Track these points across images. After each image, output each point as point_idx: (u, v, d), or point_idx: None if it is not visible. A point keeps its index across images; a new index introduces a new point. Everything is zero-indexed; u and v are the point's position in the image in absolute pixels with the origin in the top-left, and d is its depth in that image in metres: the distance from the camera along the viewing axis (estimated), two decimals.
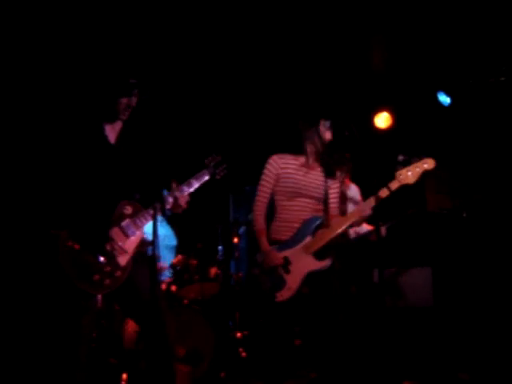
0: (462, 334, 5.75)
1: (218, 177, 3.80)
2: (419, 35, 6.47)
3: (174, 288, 5.80)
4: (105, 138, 3.56)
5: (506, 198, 6.35)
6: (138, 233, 3.51)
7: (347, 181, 5.46)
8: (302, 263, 4.08)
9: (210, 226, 6.80)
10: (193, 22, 6.16)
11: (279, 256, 4.13)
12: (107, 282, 3.38)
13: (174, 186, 3.59)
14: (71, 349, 3.42)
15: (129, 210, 3.50)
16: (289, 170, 4.27)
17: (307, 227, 4.17)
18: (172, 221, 6.38)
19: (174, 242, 6.32)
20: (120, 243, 3.43)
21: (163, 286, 5.74)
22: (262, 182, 4.34)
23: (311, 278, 4.08)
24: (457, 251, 6.29)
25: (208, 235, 6.73)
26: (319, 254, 4.09)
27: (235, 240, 6.62)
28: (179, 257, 6.00)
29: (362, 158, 5.16)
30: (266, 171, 4.33)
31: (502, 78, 5.71)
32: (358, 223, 4.50)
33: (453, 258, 6.34)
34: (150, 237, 5.13)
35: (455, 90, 6.58)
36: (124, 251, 3.43)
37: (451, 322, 5.93)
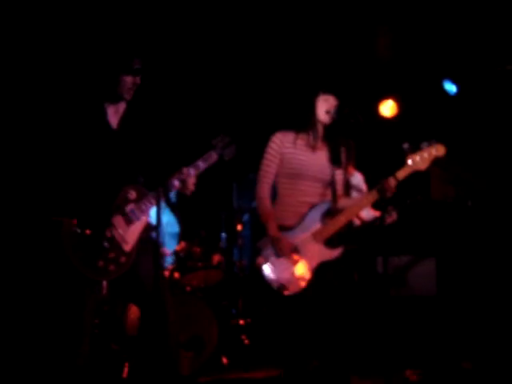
0: (465, 324, 5.74)
1: (226, 158, 3.68)
2: (425, 23, 6.42)
3: (177, 275, 5.80)
4: (106, 121, 3.52)
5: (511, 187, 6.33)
6: (143, 217, 3.47)
7: (351, 168, 5.40)
8: (313, 252, 3.80)
9: (213, 213, 6.79)
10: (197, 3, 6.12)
11: (291, 243, 3.81)
12: (112, 267, 3.36)
13: (181, 169, 3.51)
14: (75, 335, 3.42)
15: (133, 194, 3.45)
16: (293, 150, 3.98)
17: (316, 213, 3.88)
18: (175, 208, 6.38)
19: (176, 228, 6.32)
20: (120, 231, 3.40)
21: (166, 273, 5.74)
22: (266, 162, 4.01)
23: (322, 268, 3.81)
24: (461, 240, 6.27)
25: (211, 222, 6.72)
26: (330, 242, 3.84)
27: (239, 227, 6.60)
28: (182, 244, 6.00)
29: (367, 146, 5.15)
30: (269, 149, 4.02)
31: (510, 67, 5.67)
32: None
33: (457, 246, 6.32)
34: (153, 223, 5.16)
35: (462, 79, 6.54)
36: (124, 240, 3.40)
37: (454, 311, 5.92)
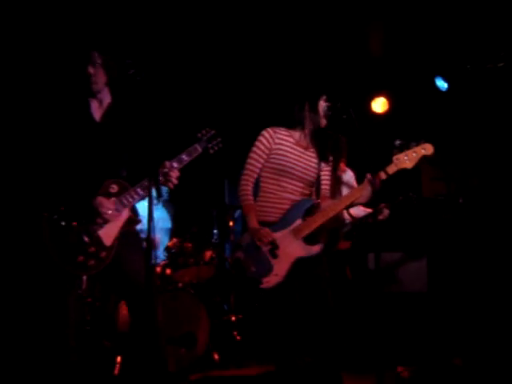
0: (456, 320, 5.76)
1: (211, 151, 3.65)
2: (417, 20, 6.43)
3: (168, 271, 5.80)
4: (89, 115, 3.52)
5: (503, 184, 6.34)
6: (124, 212, 3.45)
7: (343, 165, 5.42)
8: (291, 248, 3.85)
9: (205, 209, 6.79)
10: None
11: (272, 234, 3.85)
12: (92, 262, 3.34)
13: (164, 164, 3.49)
14: (58, 330, 3.40)
15: (115, 188, 3.43)
16: (283, 147, 4.01)
17: (297, 209, 3.94)
18: (167, 204, 6.38)
19: (168, 224, 6.33)
20: (110, 212, 3.37)
21: (158, 269, 5.74)
22: (253, 155, 4.03)
23: (300, 264, 3.87)
24: (452, 237, 6.29)
25: (203, 219, 6.72)
26: (309, 239, 3.89)
27: (230, 223, 6.61)
28: (174, 240, 5.99)
29: (359, 143, 5.16)
30: (258, 143, 4.03)
31: (501, 64, 5.68)
32: (353, 206, 4.36)
33: (448, 243, 6.34)
34: (144, 219, 5.16)
35: (453, 76, 6.56)
36: (105, 234, 3.37)
37: (445, 308, 5.94)
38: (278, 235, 3.88)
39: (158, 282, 5.64)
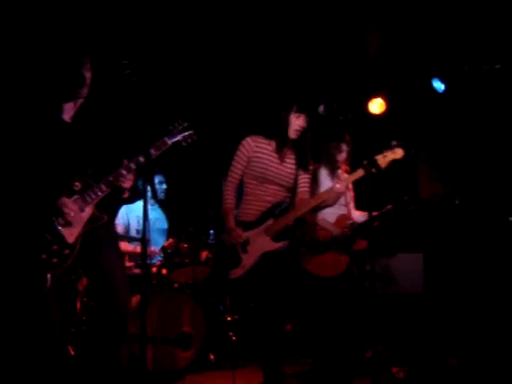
0: (452, 321, 5.77)
1: (184, 143, 3.60)
2: (414, 21, 6.43)
3: (164, 271, 5.79)
4: (59, 114, 3.51)
5: (499, 185, 6.35)
6: (87, 209, 3.44)
7: (345, 166, 5.33)
8: (259, 244, 4.21)
9: (201, 209, 6.78)
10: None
11: (243, 234, 4.24)
12: (54, 260, 3.34)
13: (124, 162, 3.47)
14: (40, 330, 3.42)
15: (78, 186, 3.43)
16: (260, 155, 4.34)
17: (272, 210, 4.27)
18: (164, 205, 6.37)
19: (165, 225, 6.32)
20: (72, 213, 3.36)
21: (154, 269, 5.73)
22: (234, 163, 4.40)
23: (267, 258, 4.19)
24: (448, 238, 6.30)
25: (199, 219, 6.71)
26: (277, 236, 4.21)
27: None
28: (170, 240, 5.99)
29: (355, 143, 5.17)
30: (238, 152, 4.40)
31: (497, 66, 5.69)
32: (330, 204, 4.49)
33: (444, 244, 6.35)
34: (140, 220, 5.15)
35: (450, 77, 6.56)
36: (67, 231, 3.37)
37: (441, 309, 5.95)
38: (251, 233, 4.26)
39: (154, 282, 5.64)
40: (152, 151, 3.50)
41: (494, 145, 6.59)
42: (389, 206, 5.00)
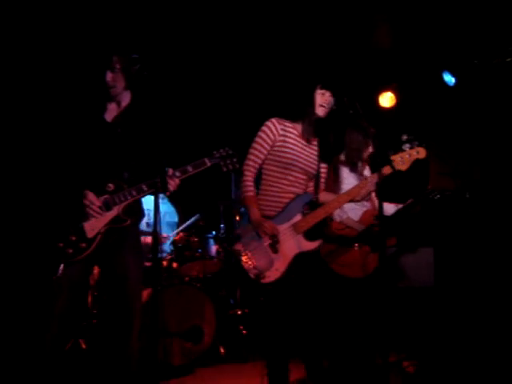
0: (463, 315, 5.76)
1: (224, 169, 3.63)
2: (425, 13, 6.41)
3: (175, 265, 5.81)
4: (101, 116, 3.55)
5: (509, 179, 6.33)
6: (113, 209, 3.47)
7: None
8: (291, 243, 3.85)
9: (211, 203, 6.79)
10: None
11: (276, 227, 3.84)
12: (70, 250, 3.38)
13: (169, 171, 3.51)
14: (39, 316, 3.46)
15: (111, 187, 3.47)
16: (288, 139, 3.99)
17: (297, 204, 3.92)
18: (174, 198, 6.38)
19: (175, 218, 6.33)
20: (93, 206, 3.40)
21: (164, 263, 5.75)
22: (256, 146, 4.00)
23: (300, 259, 3.87)
24: (459, 231, 6.28)
25: (210, 213, 6.73)
26: (309, 234, 3.88)
27: (237, 218, 6.62)
28: (181, 234, 6.01)
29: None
30: (262, 134, 4.00)
31: (508, 59, 5.67)
32: (358, 200, 4.21)
33: (454, 238, 6.33)
34: (151, 213, 5.17)
35: (460, 70, 6.53)
36: (89, 226, 3.41)
37: (452, 302, 5.94)
38: (279, 229, 3.88)
39: (164, 275, 5.66)
40: (189, 168, 3.53)
41: (504, 138, 6.56)
42: (409, 200, 4.89)
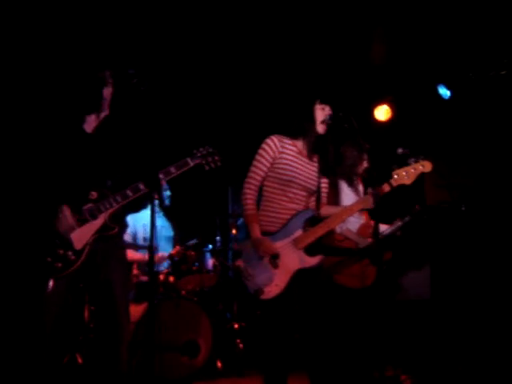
0: (459, 327, 5.76)
1: (207, 167, 3.64)
2: (420, 28, 6.44)
3: (172, 279, 5.80)
4: (79, 125, 3.56)
5: (505, 192, 6.34)
6: (99, 217, 3.46)
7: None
8: (292, 258, 3.82)
9: (208, 217, 6.80)
10: (185, 8, 6.11)
11: (274, 245, 3.81)
12: (59, 265, 3.36)
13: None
14: (30, 331, 3.42)
15: (94, 195, 3.47)
16: (287, 156, 3.97)
17: (298, 220, 3.90)
18: (168, 212, 6.39)
19: (170, 232, 6.33)
20: (70, 222, 3.39)
21: (161, 277, 5.74)
22: (257, 164, 3.98)
23: (300, 275, 3.83)
24: (455, 245, 6.29)
25: (206, 227, 6.73)
26: (310, 250, 3.85)
27: (233, 231, 6.63)
28: (177, 248, 6.00)
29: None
30: (262, 152, 3.98)
31: (503, 72, 5.70)
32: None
33: (451, 250, 6.34)
34: (147, 228, 5.15)
35: (455, 83, 6.56)
36: (76, 237, 3.39)
37: (448, 315, 5.93)
38: (278, 245, 3.85)
39: (161, 289, 5.65)
40: (172, 169, 3.54)
41: (500, 151, 6.58)
42: (396, 221, 4.90)
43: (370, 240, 4.82)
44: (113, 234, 3.50)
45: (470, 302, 5.89)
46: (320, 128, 4.00)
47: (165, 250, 6.08)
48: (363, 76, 7.09)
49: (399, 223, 4.83)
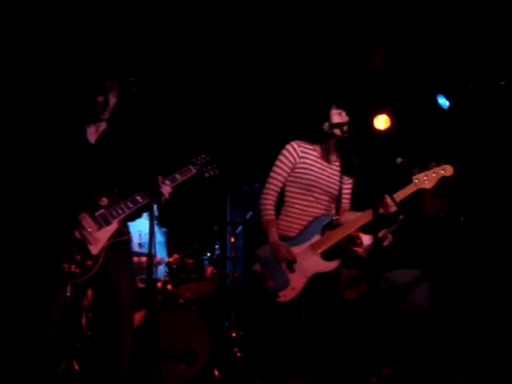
0: (458, 337, 5.75)
1: (206, 174, 3.73)
2: (419, 38, 6.46)
3: (169, 287, 5.79)
4: (85, 137, 3.57)
5: (504, 202, 6.35)
6: (113, 222, 3.48)
7: None
8: (309, 263, 3.86)
9: (206, 225, 6.80)
10: (189, 16, 6.12)
11: (291, 250, 3.86)
12: (76, 270, 3.35)
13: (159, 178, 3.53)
14: (38, 337, 3.41)
15: (104, 201, 3.48)
16: (307, 161, 4.00)
17: (316, 225, 3.93)
18: (168, 220, 6.38)
19: (162, 238, 6.32)
20: (90, 229, 3.39)
21: (159, 285, 5.73)
22: (277, 170, 4.02)
23: (316, 279, 3.86)
24: (453, 254, 6.29)
25: (205, 234, 6.73)
26: (327, 255, 3.89)
27: (232, 239, 6.62)
28: (175, 256, 5.99)
29: (361, 160, 5.16)
30: (282, 158, 4.01)
31: (502, 82, 5.71)
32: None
33: (449, 260, 6.33)
34: (142, 233, 5.14)
35: (455, 93, 6.58)
36: (94, 239, 3.40)
37: (447, 325, 5.93)
38: (296, 249, 3.89)
39: (159, 297, 5.64)
40: (177, 176, 3.60)
41: (499, 161, 6.59)
42: (383, 231, 4.87)
43: (360, 250, 4.84)
44: (126, 239, 3.53)
45: (469, 311, 5.88)
46: (337, 131, 3.98)
47: (160, 255, 6.08)
48: (363, 85, 7.10)
49: (383, 233, 4.82)
